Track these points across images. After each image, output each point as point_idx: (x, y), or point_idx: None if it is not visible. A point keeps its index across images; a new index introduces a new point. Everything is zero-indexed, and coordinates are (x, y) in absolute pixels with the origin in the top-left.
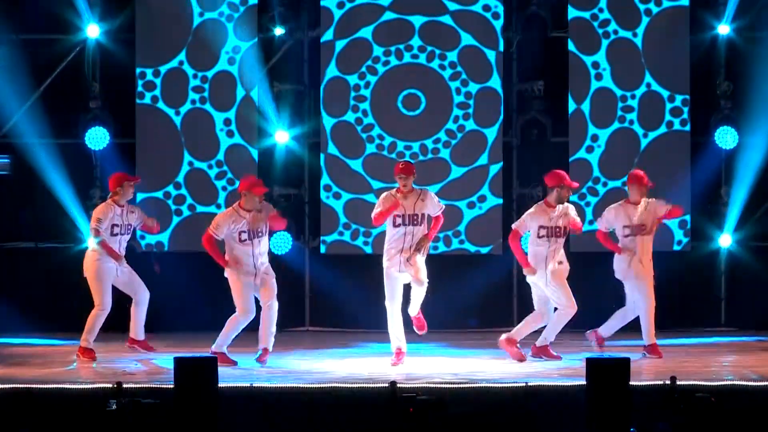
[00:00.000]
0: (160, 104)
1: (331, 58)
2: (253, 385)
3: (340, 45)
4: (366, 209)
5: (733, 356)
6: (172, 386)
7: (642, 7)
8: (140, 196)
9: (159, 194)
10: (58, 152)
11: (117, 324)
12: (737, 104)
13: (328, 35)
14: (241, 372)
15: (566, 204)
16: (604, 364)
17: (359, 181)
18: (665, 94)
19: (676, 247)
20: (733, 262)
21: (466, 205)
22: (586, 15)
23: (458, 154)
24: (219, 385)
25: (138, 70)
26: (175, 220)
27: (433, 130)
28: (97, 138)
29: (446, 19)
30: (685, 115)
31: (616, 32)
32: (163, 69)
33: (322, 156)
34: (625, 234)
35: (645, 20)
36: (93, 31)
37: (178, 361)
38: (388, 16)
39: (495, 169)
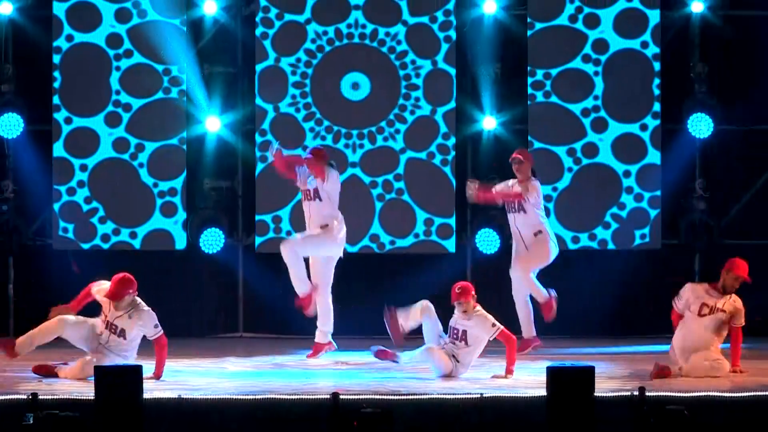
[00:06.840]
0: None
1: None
2: (182, 396)
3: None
4: None
5: None
6: (92, 398)
7: None
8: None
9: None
10: None
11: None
12: (713, 88)
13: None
14: (168, 383)
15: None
16: (567, 373)
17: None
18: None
19: (638, 241)
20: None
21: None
22: None
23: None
24: (144, 397)
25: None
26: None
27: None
28: (10, 125)
29: None
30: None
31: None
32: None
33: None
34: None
35: None
36: (5, 7)
37: (99, 371)
38: None
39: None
